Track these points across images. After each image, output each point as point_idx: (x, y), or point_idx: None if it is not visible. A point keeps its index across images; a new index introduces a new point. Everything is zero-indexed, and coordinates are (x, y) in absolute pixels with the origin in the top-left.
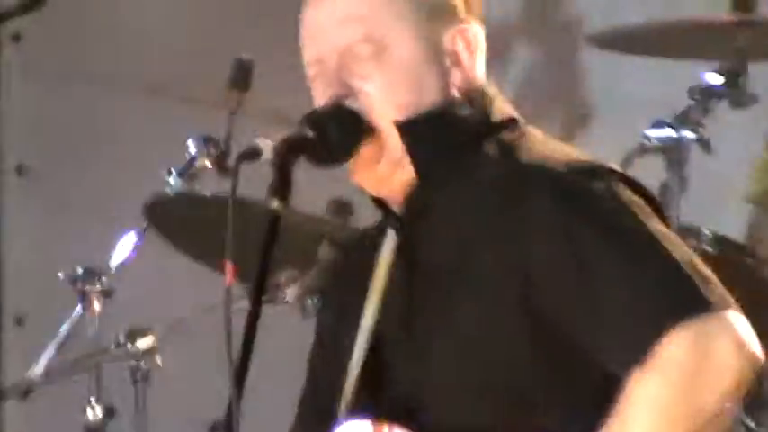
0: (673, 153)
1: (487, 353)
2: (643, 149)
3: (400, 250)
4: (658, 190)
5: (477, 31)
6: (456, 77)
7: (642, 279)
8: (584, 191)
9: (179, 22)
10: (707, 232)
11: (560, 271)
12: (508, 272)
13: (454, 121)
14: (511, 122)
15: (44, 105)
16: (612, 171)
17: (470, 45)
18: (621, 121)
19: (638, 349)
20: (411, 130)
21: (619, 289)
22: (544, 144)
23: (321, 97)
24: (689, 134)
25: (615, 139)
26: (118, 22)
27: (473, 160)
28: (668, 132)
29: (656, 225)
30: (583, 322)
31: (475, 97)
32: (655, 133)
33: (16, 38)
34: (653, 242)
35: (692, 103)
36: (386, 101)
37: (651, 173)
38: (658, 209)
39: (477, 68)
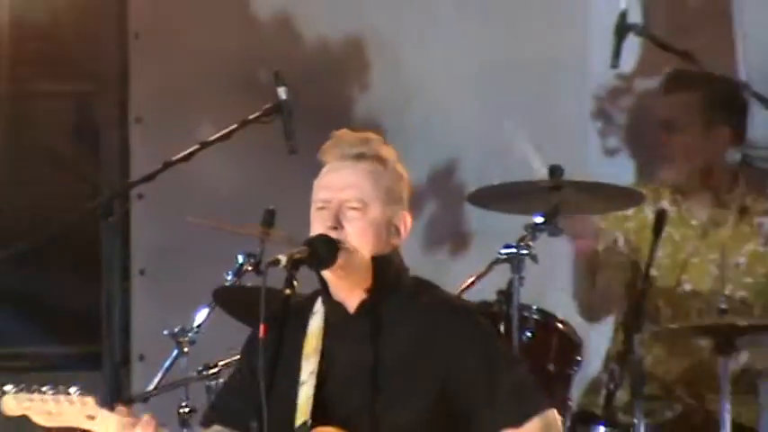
0: (515, 262)
1: (411, 405)
2: (498, 260)
3: (368, 336)
4: (507, 284)
5: (409, 220)
6: (395, 241)
7: (517, 385)
8: (484, 325)
9: (239, 189)
10: (534, 307)
11: (477, 376)
12: (436, 371)
13: (395, 264)
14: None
15: (158, 237)
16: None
17: (406, 227)
18: (488, 243)
19: (518, 419)
20: (380, 262)
21: (509, 388)
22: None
23: (320, 224)
24: (524, 251)
25: (485, 253)
26: (201, 189)
27: (404, 288)
28: (512, 250)
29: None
30: (485, 403)
31: (399, 255)
32: (505, 251)
33: (140, 196)
34: (517, 364)
35: (527, 233)
36: (359, 239)
37: (503, 274)
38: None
39: (404, 240)
